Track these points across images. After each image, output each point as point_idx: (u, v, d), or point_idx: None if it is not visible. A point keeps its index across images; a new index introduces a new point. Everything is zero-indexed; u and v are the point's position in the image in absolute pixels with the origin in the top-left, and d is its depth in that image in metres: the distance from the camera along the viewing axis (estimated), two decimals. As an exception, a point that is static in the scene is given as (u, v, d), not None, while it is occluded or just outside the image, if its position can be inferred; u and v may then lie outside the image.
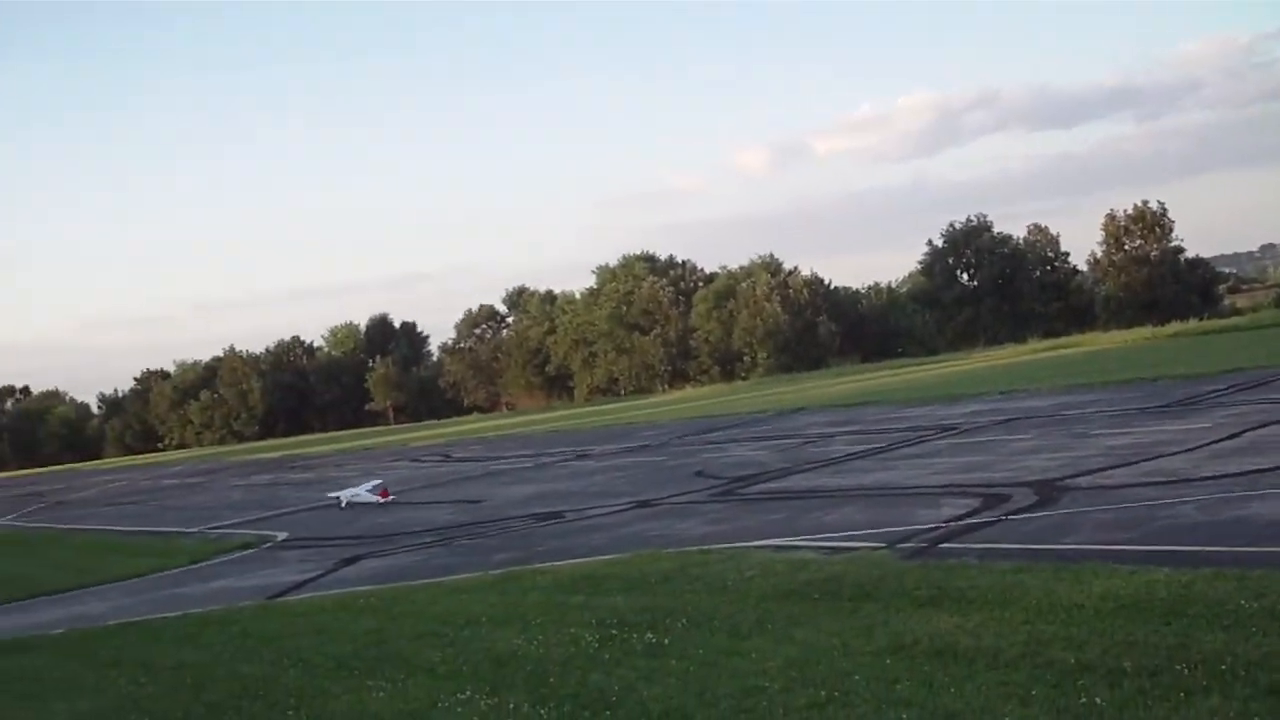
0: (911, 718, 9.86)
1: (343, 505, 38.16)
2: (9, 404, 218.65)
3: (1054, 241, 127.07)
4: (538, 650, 14.07)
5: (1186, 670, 10.00)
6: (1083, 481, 22.26)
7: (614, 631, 14.36)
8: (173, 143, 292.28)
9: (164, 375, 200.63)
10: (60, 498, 73.55)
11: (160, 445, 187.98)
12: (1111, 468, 23.62)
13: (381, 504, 37.37)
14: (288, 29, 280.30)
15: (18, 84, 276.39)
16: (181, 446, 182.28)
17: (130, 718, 13.93)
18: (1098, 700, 9.59)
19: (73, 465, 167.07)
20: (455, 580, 20.53)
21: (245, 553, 30.19)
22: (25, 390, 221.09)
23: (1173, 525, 16.92)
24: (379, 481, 41.25)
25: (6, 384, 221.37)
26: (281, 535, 32.72)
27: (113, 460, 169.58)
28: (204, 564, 29.07)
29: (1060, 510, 19.49)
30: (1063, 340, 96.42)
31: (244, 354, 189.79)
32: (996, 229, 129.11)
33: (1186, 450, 24.60)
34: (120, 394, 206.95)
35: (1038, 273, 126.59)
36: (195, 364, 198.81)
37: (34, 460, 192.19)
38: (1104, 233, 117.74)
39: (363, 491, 39.13)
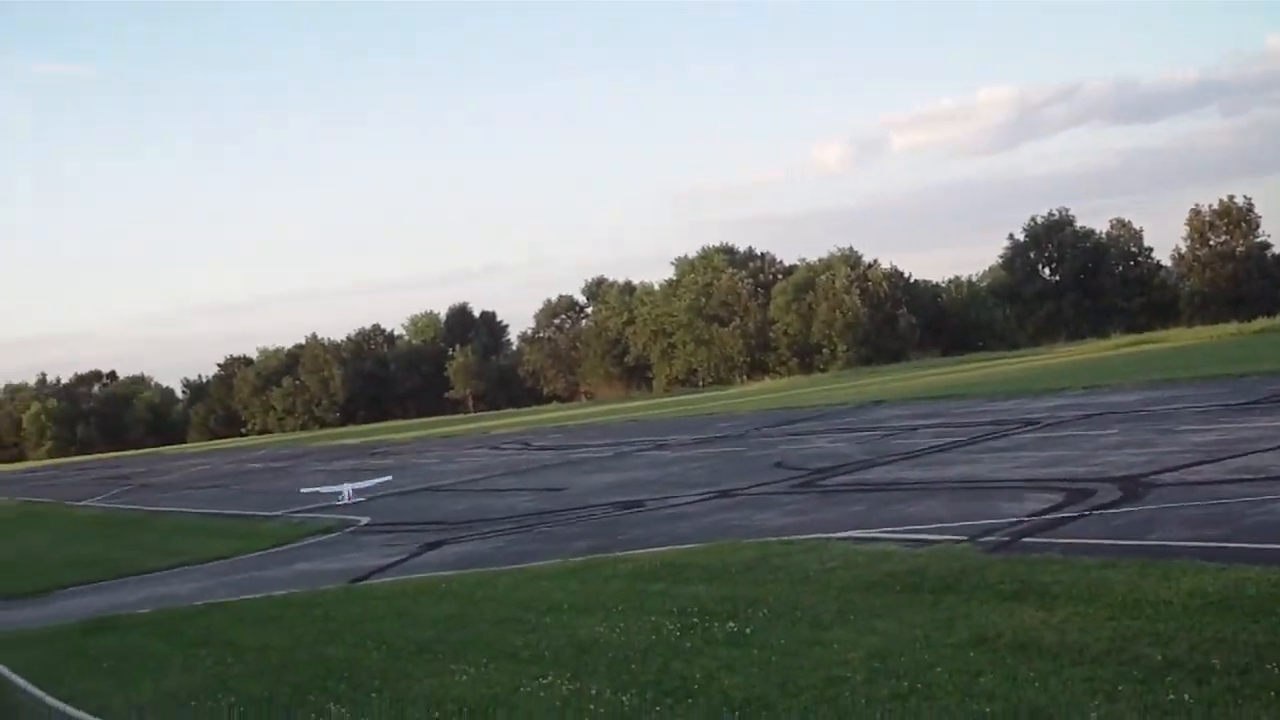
0: (995, 711, 9.79)
1: (345, 500, 38.33)
2: (96, 388, 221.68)
3: (1137, 236, 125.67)
4: (619, 637, 14.12)
5: (1277, 669, 9.87)
6: (1168, 478, 21.99)
7: (695, 620, 14.39)
8: (261, 135, 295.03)
9: (247, 361, 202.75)
10: (146, 481, 74.53)
11: (243, 430, 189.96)
12: (1198, 464, 23.31)
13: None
14: (388, 19, 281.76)
15: (113, 72, 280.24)
16: (264, 432, 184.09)
17: (217, 697, 14.10)
18: (1185, 697, 9.49)
19: (157, 449, 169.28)
20: (536, 567, 20.63)
21: (328, 537, 30.53)
22: (112, 375, 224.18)
23: (1263, 522, 16.66)
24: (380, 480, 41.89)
25: (94, 369, 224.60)
26: (364, 520, 32.99)
27: (196, 444, 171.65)
28: (287, 547, 29.43)
29: (1146, 506, 19.26)
30: (1146, 336, 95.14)
31: (326, 341, 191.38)
32: (1079, 223, 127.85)
33: (1275, 447, 24.23)
34: (204, 380, 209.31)
35: (1120, 267, 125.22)
36: (278, 351, 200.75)
37: (120, 443, 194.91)
38: (1188, 228, 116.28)
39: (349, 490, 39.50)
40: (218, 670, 15.59)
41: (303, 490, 39.77)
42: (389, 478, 40.65)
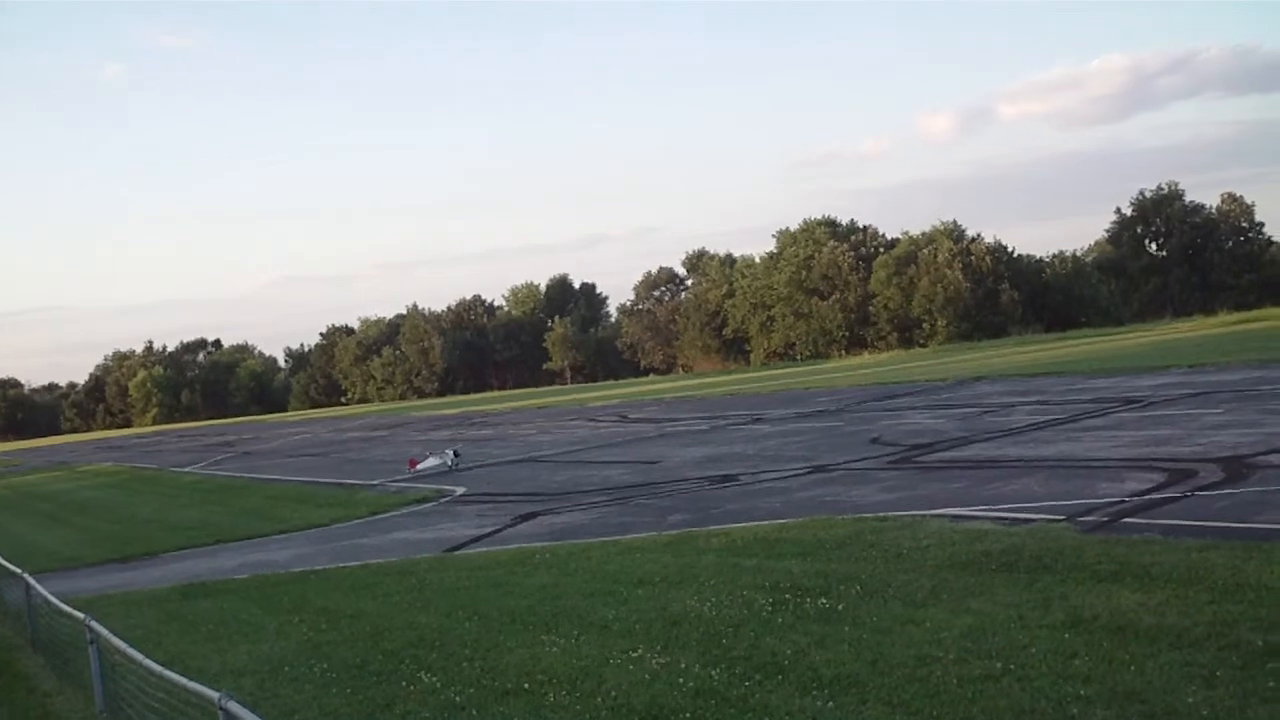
0: (1090, 694, 9.64)
1: (451, 465, 39.30)
2: (201, 356, 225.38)
3: (1248, 211, 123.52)
4: (710, 612, 14.09)
5: (1383, 658, 9.64)
6: (1275, 459, 21.49)
7: (787, 596, 14.32)
8: (365, 104, 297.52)
9: (348, 331, 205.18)
10: (247, 448, 75.67)
11: (342, 399, 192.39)
12: (1306, 446, 22.83)
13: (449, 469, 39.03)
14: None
15: (213, 48, 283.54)
16: (363, 401, 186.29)
17: (310, 662, 14.25)
18: (1288, 685, 9.29)
19: (259, 416, 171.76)
20: (630, 540, 20.64)
21: (424, 506, 30.76)
22: (217, 343, 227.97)
23: (1371, 507, 16.29)
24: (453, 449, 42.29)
25: (199, 337, 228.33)
26: (459, 490, 33.22)
27: (297, 413, 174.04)
28: (384, 516, 29.71)
29: (1250, 488, 18.85)
30: (1255, 314, 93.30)
31: (426, 312, 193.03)
32: (1188, 198, 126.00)
33: (1386, 430, 23.69)
34: (306, 349, 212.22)
35: (1230, 243, 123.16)
36: (379, 321, 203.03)
37: (223, 411, 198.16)
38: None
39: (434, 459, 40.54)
40: (312, 636, 15.76)
41: (415, 469, 40.00)
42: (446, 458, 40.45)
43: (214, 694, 8.43)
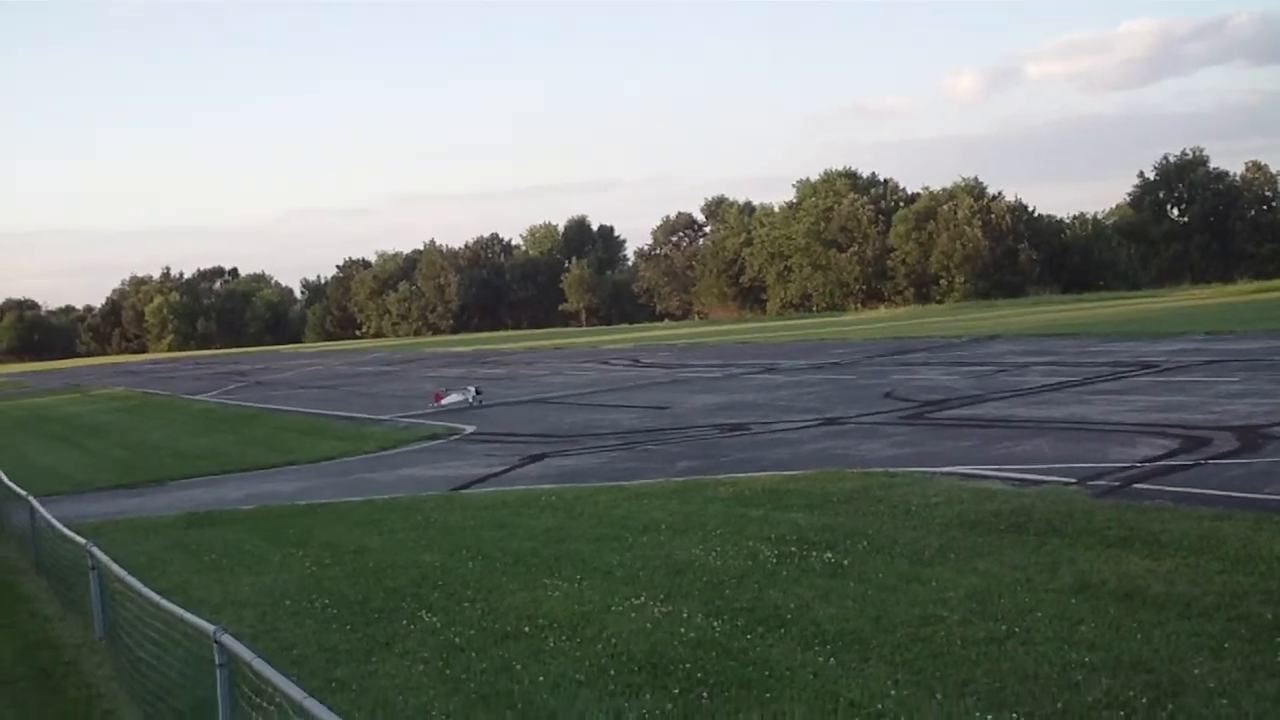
0: (1095, 661, 9.54)
1: (472, 402, 39.91)
2: (218, 285, 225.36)
3: (1272, 180, 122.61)
4: (715, 561, 14.01)
5: (1394, 635, 9.52)
6: (1290, 429, 21.39)
7: (793, 549, 14.23)
8: (382, 39, 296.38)
9: (365, 265, 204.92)
10: (260, 378, 75.73)
11: (358, 333, 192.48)
12: (1322, 417, 22.64)
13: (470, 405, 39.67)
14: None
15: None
16: (378, 335, 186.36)
17: (312, 596, 14.21)
18: (1295, 659, 9.17)
19: (274, 347, 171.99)
20: (637, 485, 20.58)
21: (433, 443, 30.73)
22: (234, 272, 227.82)
23: (1386, 481, 16.14)
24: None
25: (216, 265, 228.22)
26: (469, 428, 33.18)
27: (311, 345, 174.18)
28: (392, 451, 29.68)
29: (1265, 458, 18.72)
30: (1275, 283, 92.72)
31: (443, 248, 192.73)
32: (1212, 164, 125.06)
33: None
34: (322, 281, 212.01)
35: (1253, 212, 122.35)
36: (396, 255, 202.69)
37: (238, 340, 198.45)
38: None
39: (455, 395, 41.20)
40: (315, 571, 15.70)
41: (439, 403, 40.43)
42: (468, 395, 40.68)
43: (210, 627, 8.36)
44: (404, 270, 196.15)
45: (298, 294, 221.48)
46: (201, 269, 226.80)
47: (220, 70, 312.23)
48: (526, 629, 11.98)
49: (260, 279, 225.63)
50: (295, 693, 6.79)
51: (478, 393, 40.90)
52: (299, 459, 29.27)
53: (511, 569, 14.76)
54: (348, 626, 12.77)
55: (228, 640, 8.07)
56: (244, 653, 7.80)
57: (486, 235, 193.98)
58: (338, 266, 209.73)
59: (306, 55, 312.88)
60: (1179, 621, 10.36)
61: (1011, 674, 9.45)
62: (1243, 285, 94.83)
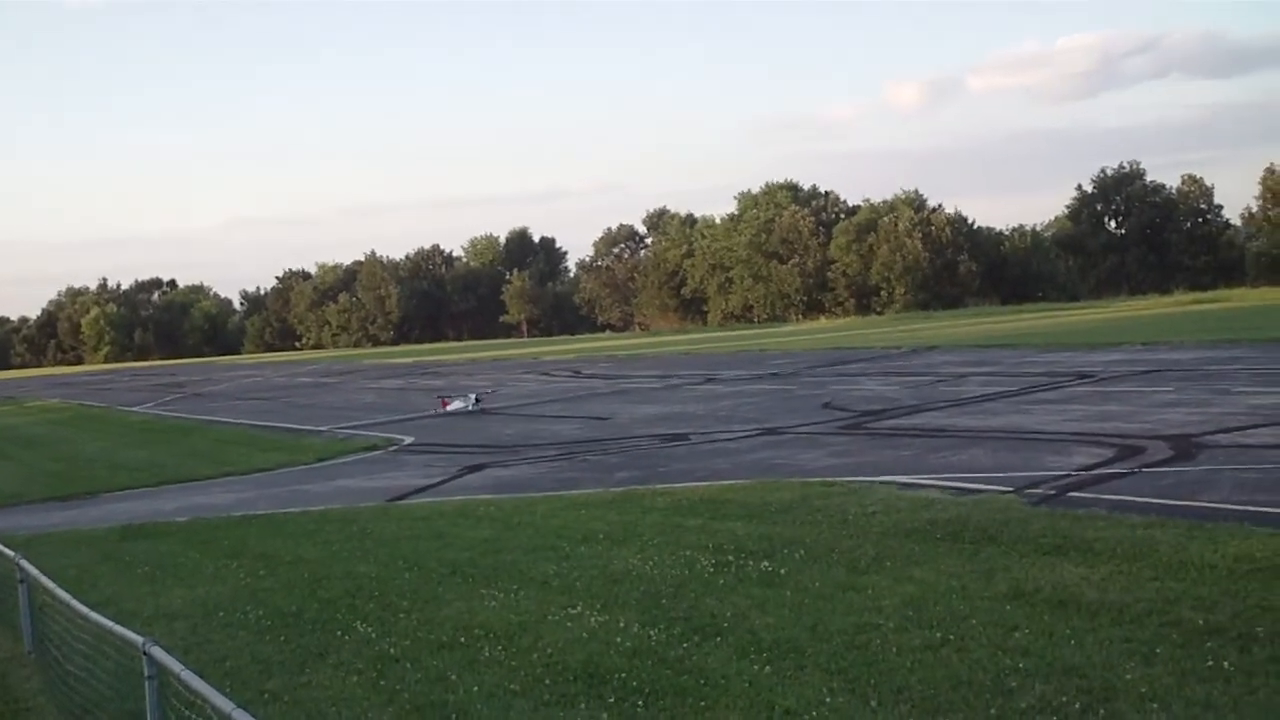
0: (1029, 667, 9.56)
1: (470, 408, 40.40)
2: (156, 296, 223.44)
3: (1207, 193, 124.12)
4: (652, 571, 13.97)
5: (1323, 641, 9.59)
6: (1222, 439, 21.60)
7: (730, 558, 14.21)
8: (325, 46, 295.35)
9: (305, 276, 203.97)
10: (197, 390, 75.12)
11: (297, 344, 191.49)
12: (1254, 427, 22.85)
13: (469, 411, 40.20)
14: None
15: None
16: (318, 347, 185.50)
17: (246, 608, 14.06)
18: (1225, 664, 9.22)
19: (212, 358, 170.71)
20: (575, 495, 20.52)
21: (371, 454, 30.59)
22: (172, 283, 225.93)
23: (1317, 490, 16.29)
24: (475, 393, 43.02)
25: (154, 276, 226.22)
26: (408, 439, 33.04)
27: (250, 356, 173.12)
28: (329, 463, 29.49)
29: (1197, 467, 18.91)
30: (1209, 294, 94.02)
31: (384, 260, 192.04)
32: (1149, 177, 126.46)
33: (1334, 414, 23.77)
34: (262, 292, 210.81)
35: (1188, 224, 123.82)
36: (336, 267, 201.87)
37: (176, 352, 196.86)
38: (1261, 187, 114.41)
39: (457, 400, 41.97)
40: (249, 582, 15.55)
41: (445, 409, 41.07)
42: (468, 401, 41.12)
43: (139, 639, 8.27)
44: (344, 281, 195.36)
45: (237, 305, 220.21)
46: (139, 280, 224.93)
47: (158, 77, 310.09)
48: (462, 639, 11.90)
49: (199, 290, 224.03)
50: (224, 705, 6.71)
51: (477, 400, 41.36)
52: (235, 470, 29.01)
53: (448, 579, 14.66)
54: (281, 638, 12.64)
55: (157, 652, 7.97)
56: (173, 665, 7.71)
57: (427, 247, 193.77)
58: (277, 278, 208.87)
59: (246, 63, 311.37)
60: (1112, 628, 10.41)
61: (946, 681, 9.46)
62: (1179, 296, 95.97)
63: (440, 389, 55.32)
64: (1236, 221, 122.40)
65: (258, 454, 32.17)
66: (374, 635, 12.37)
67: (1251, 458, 19.41)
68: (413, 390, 56.63)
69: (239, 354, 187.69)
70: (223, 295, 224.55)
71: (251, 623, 13.42)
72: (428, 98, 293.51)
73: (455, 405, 41.31)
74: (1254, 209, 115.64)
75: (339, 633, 12.62)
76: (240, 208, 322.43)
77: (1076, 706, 8.68)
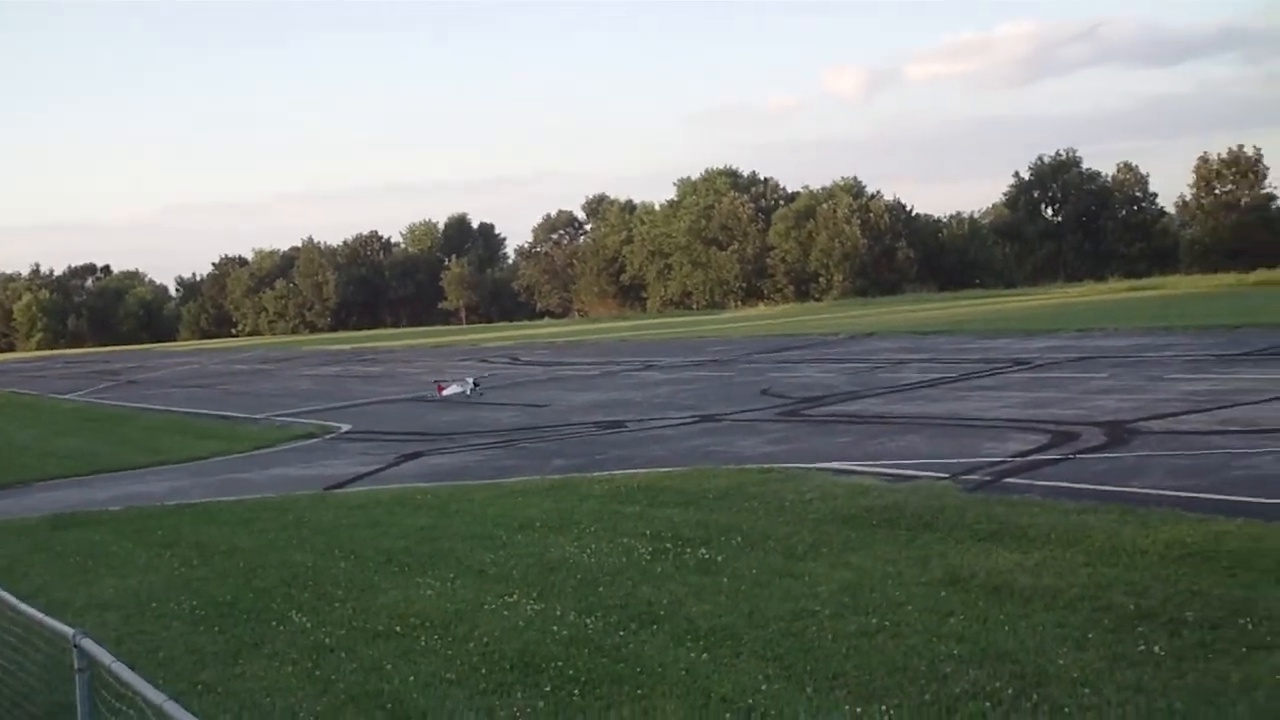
0: (963, 653, 9.62)
1: (469, 393, 38.80)
2: (90, 282, 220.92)
3: (1142, 181, 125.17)
4: (589, 559, 13.95)
5: (1250, 625, 9.69)
6: (1155, 425, 21.84)
7: (667, 545, 14.21)
8: (262, 29, 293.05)
9: (242, 262, 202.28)
10: (132, 377, 74.34)
11: (234, 331, 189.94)
12: (1186, 413, 23.14)
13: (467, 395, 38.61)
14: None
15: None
16: (255, 334, 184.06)
17: (179, 598, 13.92)
18: (1156, 649, 9.32)
19: (147, 345, 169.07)
20: (513, 483, 20.47)
21: (308, 442, 30.36)
22: (106, 269, 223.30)
23: (1248, 476, 16.46)
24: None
25: (88, 262, 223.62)
26: (345, 427, 32.85)
27: (186, 343, 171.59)
28: (266, 451, 29.23)
29: (1131, 452, 19.11)
30: (1144, 282, 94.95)
31: (322, 246, 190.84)
32: (1085, 165, 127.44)
33: (1266, 400, 24.07)
34: (198, 278, 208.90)
35: (1123, 212, 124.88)
36: (273, 253, 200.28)
37: (111, 338, 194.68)
38: (1195, 175, 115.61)
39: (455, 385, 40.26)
40: (183, 572, 15.39)
41: (442, 394, 39.61)
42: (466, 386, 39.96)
43: (69, 630, 8.15)
44: (281, 268, 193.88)
45: (172, 291, 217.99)
46: (73, 266, 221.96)
47: (92, 60, 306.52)
48: (398, 628, 11.84)
49: (134, 276, 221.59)
50: (156, 696, 6.63)
51: (475, 384, 39.80)
52: (170, 459, 28.69)
53: (384, 568, 14.59)
54: (215, 628, 12.53)
55: (87, 644, 7.86)
56: (104, 656, 7.61)
57: (366, 233, 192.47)
58: (214, 264, 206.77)
59: (180, 46, 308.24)
60: (1045, 613, 10.49)
61: (881, 667, 9.50)
62: (1114, 284, 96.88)
63: (379, 375, 55.14)
64: (1171, 209, 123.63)
65: (193, 442, 31.85)
66: (309, 625, 12.29)
67: (1183, 444, 19.62)
68: (350, 377, 56.33)
69: (175, 341, 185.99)
70: (158, 282, 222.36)
71: (185, 613, 13.30)
72: (365, 84, 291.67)
73: (452, 390, 39.89)
74: (1187, 197, 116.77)
75: (274, 622, 12.53)
76: (176, 193, 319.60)
77: (1009, 692, 8.75)
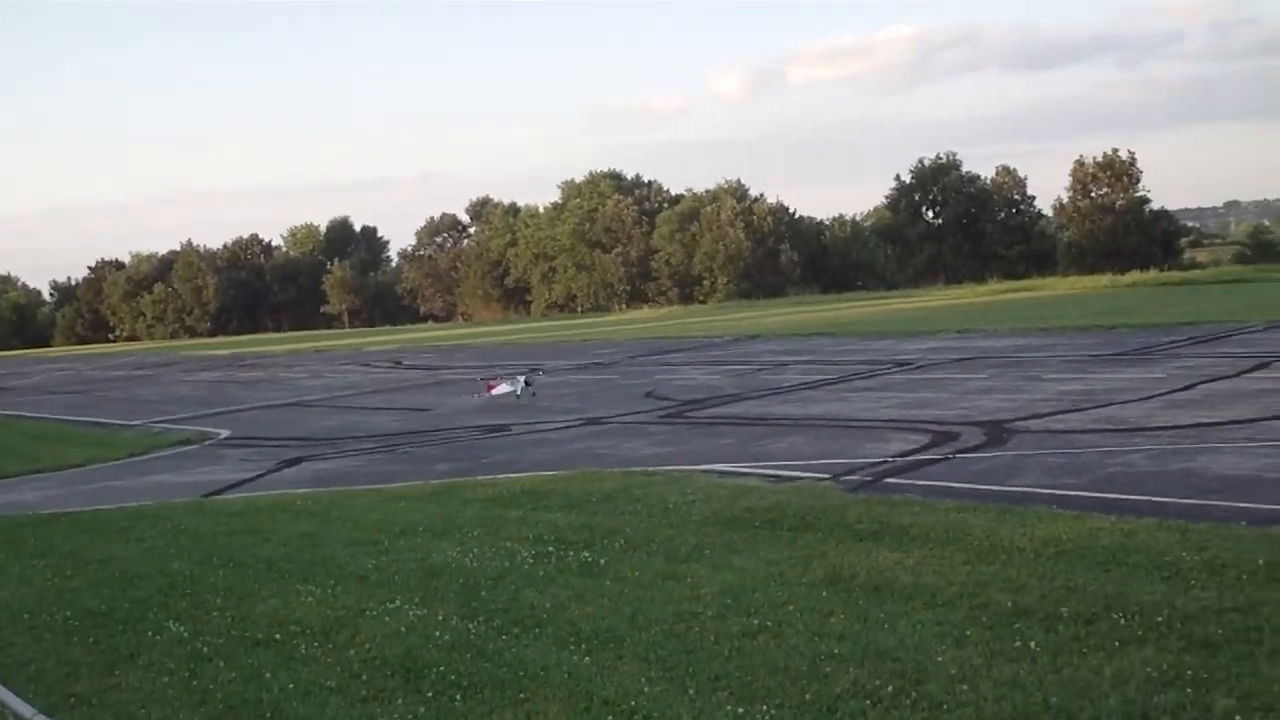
0: (843, 652, 9.69)
1: (518, 394, 34.43)
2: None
3: (1021, 184, 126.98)
4: (472, 563, 13.87)
5: (1123, 619, 9.86)
6: (1033, 424, 22.18)
7: (550, 549, 14.17)
8: (145, 30, 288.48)
9: (118, 266, 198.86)
10: (4, 383, 72.90)
11: (111, 336, 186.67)
12: (1063, 412, 23.54)
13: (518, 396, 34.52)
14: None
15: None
16: (132, 339, 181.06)
17: (52, 609, 13.64)
18: (1032, 645, 9.44)
19: (20, 351, 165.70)
20: (395, 488, 20.29)
21: (186, 449, 29.91)
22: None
23: (1120, 473, 16.79)
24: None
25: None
26: (224, 433, 32.41)
27: (61, 349, 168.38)
28: (143, 458, 28.74)
29: (1009, 452, 19.38)
30: (1023, 283, 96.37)
31: (201, 249, 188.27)
32: (965, 168, 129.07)
33: (1139, 399, 24.54)
34: (73, 282, 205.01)
35: (1002, 214, 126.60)
36: (151, 256, 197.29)
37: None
38: (1071, 178, 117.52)
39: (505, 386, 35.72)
40: (56, 582, 15.08)
41: (491, 394, 35.22)
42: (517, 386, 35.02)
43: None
44: (159, 271, 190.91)
45: (46, 296, 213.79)
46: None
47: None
48: (278, 636, 11.70)
49: (5, 280, 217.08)
50: (25, 710, 6.55)
51: (527, 383, 34.96)
52: (45, 467, 28.08)
53: (264, 575, 14.40)
54: (90, 639, 12.29)
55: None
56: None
57: (246, 235, 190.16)
58: (89, 268, 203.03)
59: (57, 45, 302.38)
60: (924, 611, 10.60)
61: (763, 667, 9.54)
62: (993, 285, 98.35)
63: (260, 380, 54.45)
64: (1048, 212, 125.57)
65: (68, 449, 31.23)
66: (187, 634, 12.09)
67: (1059, 442, 19.95)
68: (230, 382, 55.59)
69: (50, 346, 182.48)
70: (31, 285, 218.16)
71: (59, 624, 13.03)
72: (245, 84, 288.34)
73: (502, 390, 35.34)
74: (1064, 200, 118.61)
75: (150, 633, 12.31)
76: (49, 195, 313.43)
77: (889, 689, 8.81)
